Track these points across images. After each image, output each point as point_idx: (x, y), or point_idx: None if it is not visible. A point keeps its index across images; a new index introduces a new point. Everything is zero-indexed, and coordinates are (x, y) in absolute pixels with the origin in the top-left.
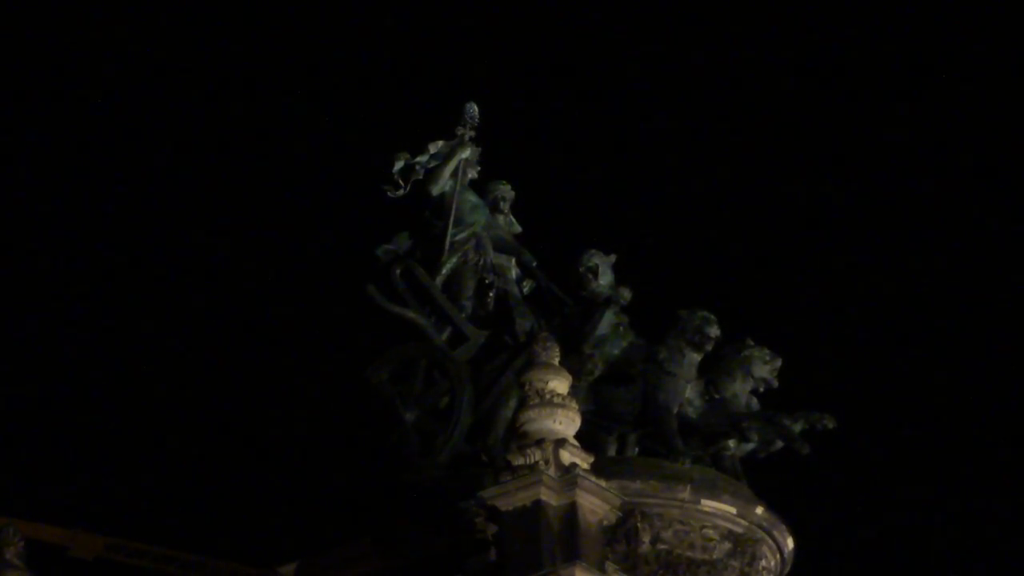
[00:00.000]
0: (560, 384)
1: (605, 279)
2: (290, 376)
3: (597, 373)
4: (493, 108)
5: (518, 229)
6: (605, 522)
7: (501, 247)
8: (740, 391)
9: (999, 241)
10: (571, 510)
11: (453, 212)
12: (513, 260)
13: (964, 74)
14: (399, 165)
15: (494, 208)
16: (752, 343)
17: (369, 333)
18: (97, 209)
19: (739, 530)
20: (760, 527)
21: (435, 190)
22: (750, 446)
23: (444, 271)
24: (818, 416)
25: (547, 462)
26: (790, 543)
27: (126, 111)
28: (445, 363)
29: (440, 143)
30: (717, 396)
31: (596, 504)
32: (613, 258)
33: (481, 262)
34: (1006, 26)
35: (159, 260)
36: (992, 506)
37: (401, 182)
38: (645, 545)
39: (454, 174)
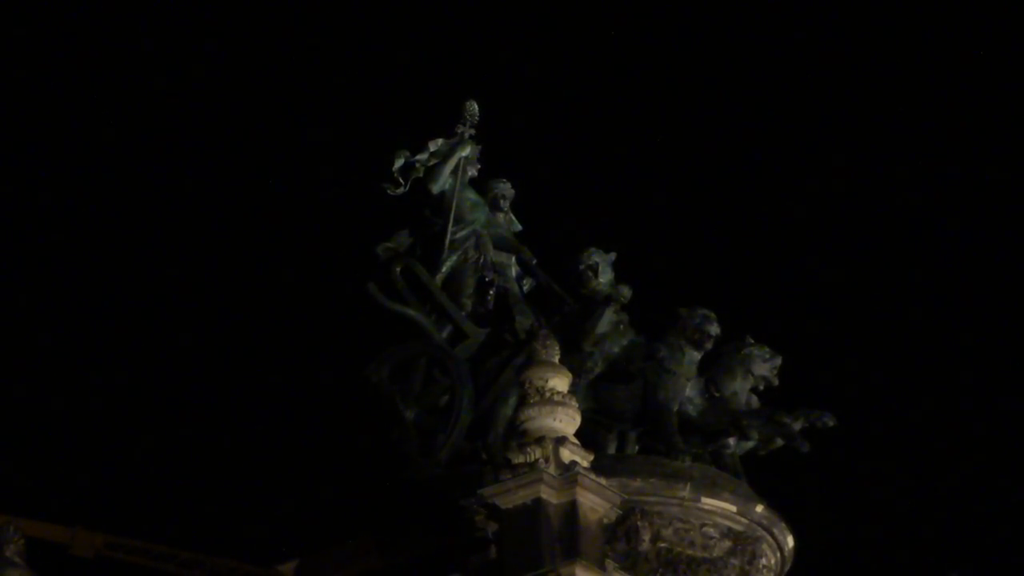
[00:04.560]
0: (560, 382)
1: (605, 277)
2: (290, 374)
3: (597, 371)
4: (493, 106)
5: (518, 227)
6: (605, 520)
7: (501, 245)
8: (740, 389)
9: (999, 241)
10: (571, 508)
11: (453, 210)
12: (513, 258)
13: (964, 74)
14: (399, 163)
15: (494, 206)
16: (752, 341)
17: (369, 331)
18: (98, 208)
19: (739, 528)
20: (760, 525)
21: (435, 188)
22: (750, 444)
23: (444, 269)
24: (818, 414)
25: (547, 460)
26: (790, 541)
27: (126, 111)
28: (445, 361)
29: (440, 141)
30: (717, 394)
31: (596, 502)
32: (613, 256)
33: (481, 260)
34: (1006, 26)
35: (159, 259)
36: (992, 504)
37: (401, 180)
38: (645, 543)
39: (454, 172)
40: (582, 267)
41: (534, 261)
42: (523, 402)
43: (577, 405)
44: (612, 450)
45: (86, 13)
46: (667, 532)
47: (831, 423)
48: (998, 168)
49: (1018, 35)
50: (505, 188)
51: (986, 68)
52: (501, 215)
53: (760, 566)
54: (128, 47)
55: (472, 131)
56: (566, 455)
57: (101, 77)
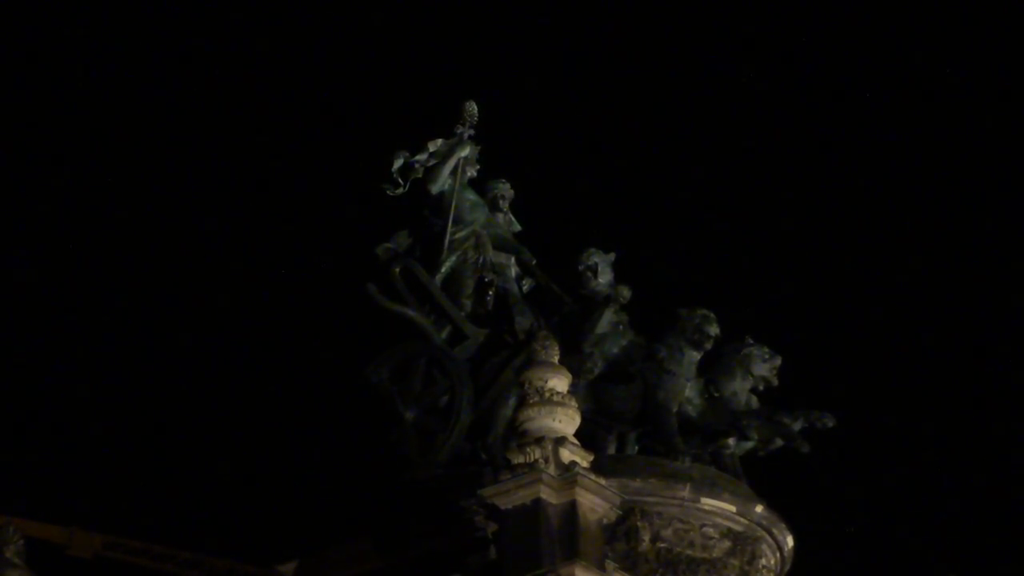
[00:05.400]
0: (560, 382)
1: (604, 277)
2: (290, 374)
3: (597, 371)
4: (492, 106)
5: (517, 227)
6: (605, 520)
7: (500, 245)
8: (740, 389)
9: (999, 241)
10: (571, 508)
11: (452, 210)
12: (512, 258)
13: (964, 74)
14: (399, 164)
15: (493, 206)
16: (751, 341)
17: (369, 332)
18: (98, 208)
19: (739, 528)
20: (760, 525)
21: (434, 188)
22: (750, 444)
23: (443, 270)
24: (817, 414)
25: (547, 460)
26: (790, 541)
27: (127, 111)
28: (445, 362)
29: (439, 141)
30: (717, 394)
31: (596, 502)
32: (612, 256)
33: (480, 260)
34: (1006, 26)
35: (159, 259)
36: (992, 504)
37: (400, 181)
38: (645, 543)
39: (453, 172)
40: (582, 267)
41: (533, 262)
42: (523, 403)
43: (577, 405)
44: (612, 450)
45: (86, 13)
46: (667, 532)
47: (830, 423)
48: (998, 168)
49: (1018, 35)
50: (504, 188)
51: (986, 68)
52: (500, 215)
53: (760, 566)
54: (128, 47)
55: (471, 132)
56: (566, 455)
57: (101, 77)
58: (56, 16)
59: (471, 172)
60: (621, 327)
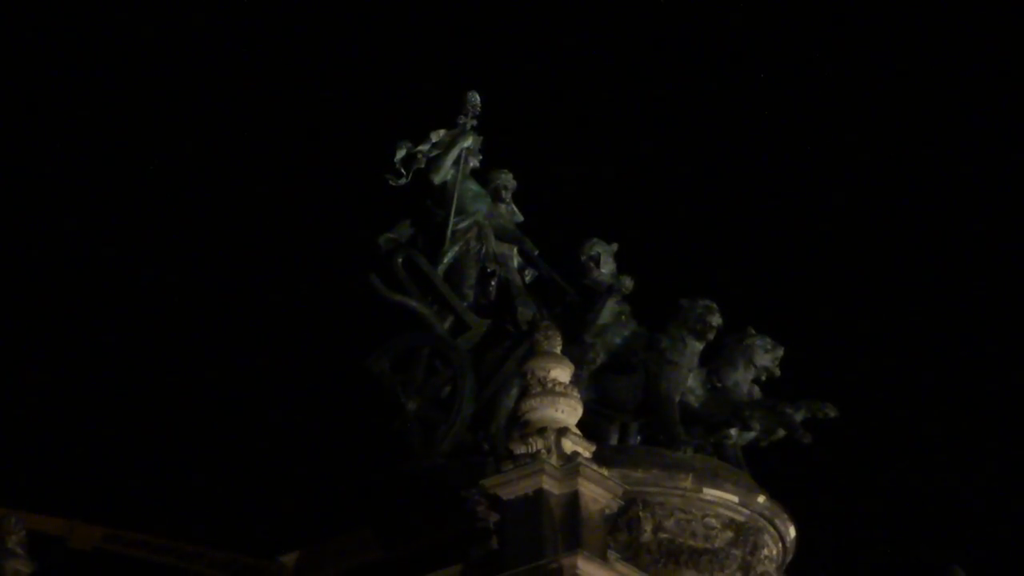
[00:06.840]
0: (562, 373)
1: (607, 268)
2: (292, 365)
3: (599, 362)
4: (495, 97)
5: (520, 218)
6: (607, 511)
7: (503, 236)
8: (742, 380)
9: (999, 235)
10: (573, 499)
11: (455, 201)
12: (515, 249)
13: (964, 74)
14: (401, 154)
15: (496, 197)
16: (754, 332)
17: (371, 322)
18: (98, 203)
19: (741, 519)
20: (762, 516)
21: (437, 179)
22: (752, 435)
23: (446, 260)
24: (820, 405)
25: (549, 451)
26: (792, 532)
27: (128, 106)
28: (447, 352)
29: (442, 132)
30: (719, 385)
31: (598, 493)
32: (615, 247)
33: (483, 251)
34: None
35: (159, 252)
36: (993, 495)
37: (403, 171)
38: (647, 534)
39: (456, 163)
40: (584, 258)
41: (536, 252)
42: (525, 393)
43: (579, 396)
44: (614, 441)
45: (87, 13)
46: (669, 523)
47: (833, 414)
48: (998, 166)
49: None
50: (507, 179)
51: (986, 68)
52: (503, 206)
53: (762, 556)
54: (129, 43)
55: (474, 122)
56: (568, 446)
57: (103, 75)
58: (56, 16)
59: (473, 162)
60: (623, 317)
